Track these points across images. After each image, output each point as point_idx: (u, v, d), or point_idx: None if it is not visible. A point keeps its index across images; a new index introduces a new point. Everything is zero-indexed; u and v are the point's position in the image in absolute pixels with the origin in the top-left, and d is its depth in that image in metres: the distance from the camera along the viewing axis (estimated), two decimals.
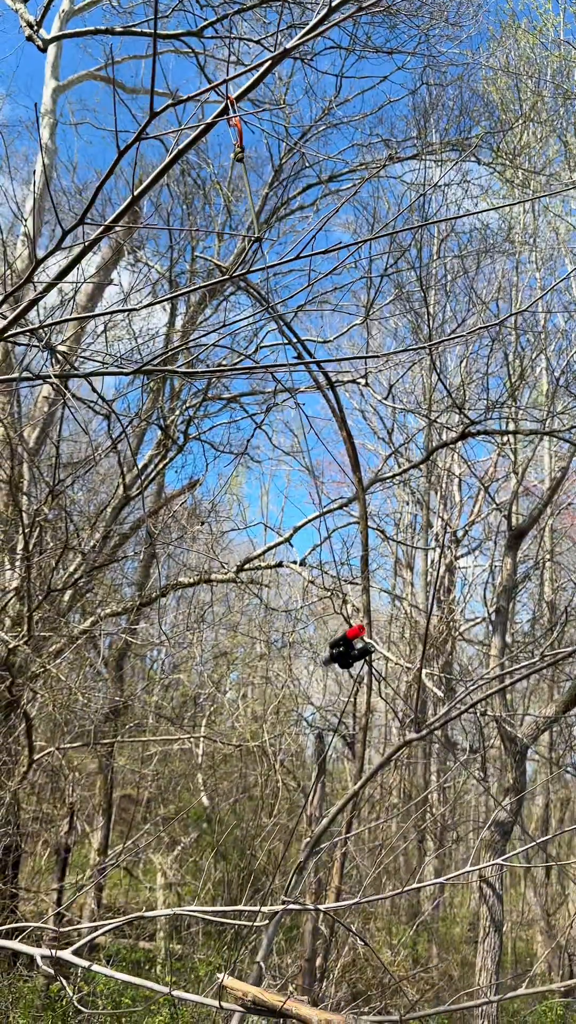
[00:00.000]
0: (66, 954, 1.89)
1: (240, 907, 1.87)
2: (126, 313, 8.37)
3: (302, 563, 9.25)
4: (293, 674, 13.03)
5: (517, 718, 8.12)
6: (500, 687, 4.08)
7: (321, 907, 2.06)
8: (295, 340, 7.71)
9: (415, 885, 2.61)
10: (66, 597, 9.32)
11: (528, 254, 13.87)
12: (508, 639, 9.49)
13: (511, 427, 8.43)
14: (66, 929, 2.43)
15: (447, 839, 12.09)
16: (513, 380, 8.94)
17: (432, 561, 16.41)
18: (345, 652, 5.34)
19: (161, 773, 13.38)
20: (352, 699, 11.69)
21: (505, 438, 8.63)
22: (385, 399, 9.65)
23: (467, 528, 15.30)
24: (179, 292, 6.21)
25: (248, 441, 9.58)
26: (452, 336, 8.06)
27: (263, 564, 9.54)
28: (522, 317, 12.17)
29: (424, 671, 6.67)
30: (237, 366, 7.36)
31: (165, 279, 10.19)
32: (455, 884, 16.13)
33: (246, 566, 9.34)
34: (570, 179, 13.21)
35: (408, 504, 19.69)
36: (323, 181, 8.13)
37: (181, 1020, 5.48)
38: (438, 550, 13.72)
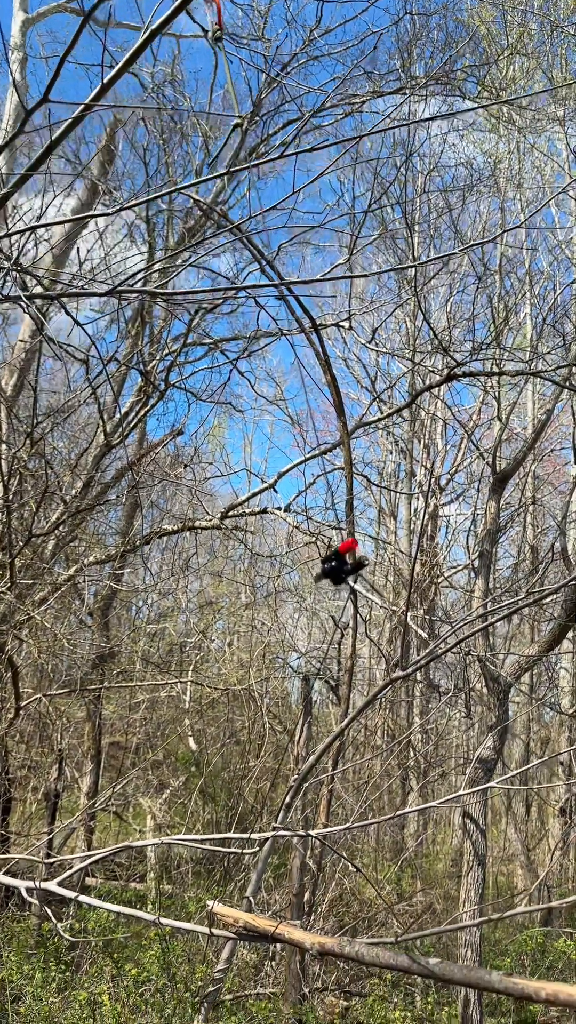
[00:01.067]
0: (51, 885, 1.89)
1: (230, 835, 1.86)
2: (102, 254, 8.13)
3: (287, 509, 9.21)
4: (279, 620, 13.11)
5: (500, 660, 8.21)
6: (484, 624, 4.09)
7: (310, 833, 2.07)
8: (278, 280, 7.54)
9: (404, 811, 2.63)
10: (49, 546, 9.27)
11: (513, 196, 13.61)
12: (491, 583, 9.56)
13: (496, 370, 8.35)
14: (55, 860, 2.43)
15: (431, 776, 12.36)
16: (498, 322, 8.82)
17: (416, 510, 16.45)
18: (337, 567, 5.12)
19: (149, 719, 13.51)
20: (337, 645, 11.81)
21: (490, 381, 8.55)
22: (369, 343, 9.52)
23: (451, 475, 15.29)
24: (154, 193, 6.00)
25: (225, 384, 9.41)
26: (441, 255, 7.82)
27: (247, 511, 9.49)
28: (507, 260, 11.99)
29: (409, 614, 6.71)
30: (215, 293, 7.19)
31: (142, 220, 9.90)
32: (438, 822, 16.54)
33: (230, 513, 9.29)
34: (556, 115, 12.91)
35: (392, 453, 19.65)
36: (304, 113, 7.85)
37: (172, 954, 5.61)
38: (421, 497, 13.72)
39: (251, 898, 5.41)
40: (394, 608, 9.18)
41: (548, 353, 7.61)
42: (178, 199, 11.31)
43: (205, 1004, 5.26)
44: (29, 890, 1.88)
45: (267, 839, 2.21)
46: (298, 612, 18.05)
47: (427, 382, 10.57)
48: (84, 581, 8.09)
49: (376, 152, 11.54)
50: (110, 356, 7.67)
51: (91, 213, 4.25)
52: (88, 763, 10.88)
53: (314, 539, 8.73)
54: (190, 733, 13.45)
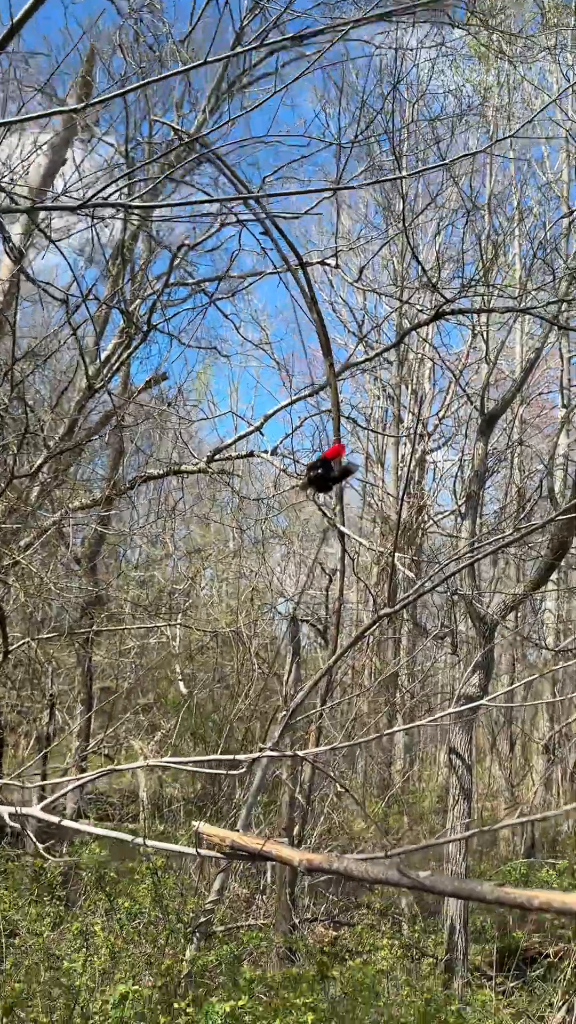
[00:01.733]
0: (34, 810, 1.88)
1: (217, 756, 1.85)
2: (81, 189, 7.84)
3: (273, 452, 9.12)
4: (267, 564, 13.13)
5: (486, 601, 8.26)
6: (471, 560, 4.08)
7: (298, 752, 2.06)
8: (265, 216, 7.33)
9: (392, 731, 2.65)
10: (34, 493, 9.17)
11: (503, 128, 13.25)
12: (478, 526, 9.57)
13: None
14: (47, 783, 2.42)
15: (417, 713, 12.57)
16: (486, 260, 8.65)
17: (403, 456, 16.39)
18: (324, 474, 4.79)
19: (139, 664, 13.61)
20: (325, 590, 11.85)
21: (479, 320, 8.42)
22: (356, 282, 9.33)
23: (439, 417, 15.20)
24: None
25: (201, 321, 9.20)
26: (430, 167, 7.56)
27: (234, 455, 9.40)
28: (496, 199, 11.72)
29: (396, 555, 6.72)
30: (197, 214, 6.95)
31: (120, 153, 9.57)
32: (424, 760, 16.89)
33: (216, 457, 9.20)
34: (545, 45, 12.49)
35: (379, 399, 19.51)
36: (287, 38, 7.53)
37: (164, 887, 5.73)
38: (409, 439, 13.66)
39: (242, 830, 5.50)
40: (381, 550, 9.18)
41: (537, 290, 7.48)
42: (158, 133, 10.94)
43: (197, 934, 5.38)
44: (12, 816, 1.87)
45: (254, 759, 2.21)
46: (285, 560, 18.11)
47: (415, 320, 10.39)
48: (70, 525, 8.02)
49: (362, 82, 11.18)
50: (88, 290, 7.46)
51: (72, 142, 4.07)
52: (79, 706, 10.97)
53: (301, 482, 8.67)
54: (180, 677, 13.57)
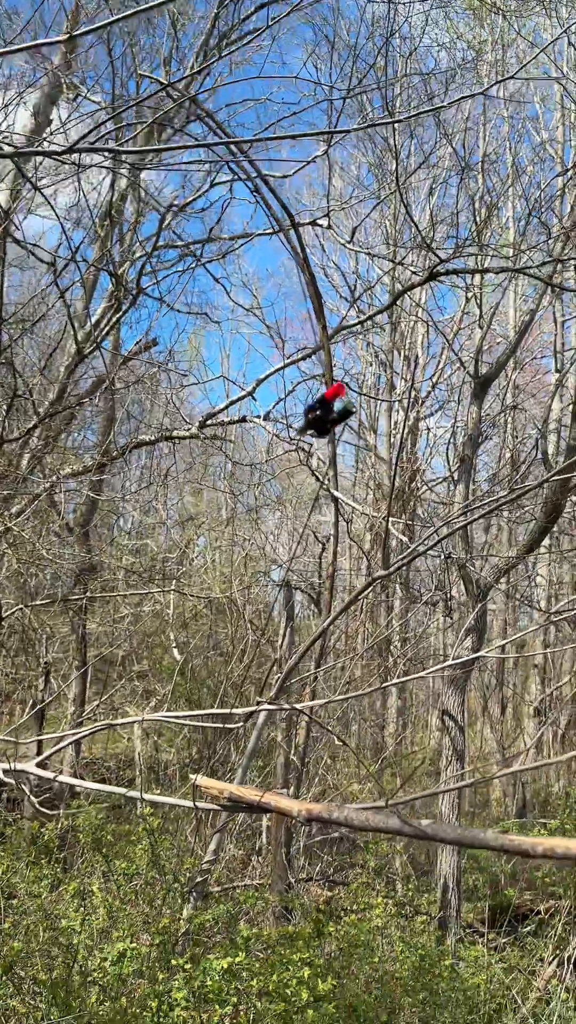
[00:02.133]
0: (29, 766, 1.86)
1: (213, 710, 1.83)
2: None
3: (266, 418, 9.05)
4: (261, 531, 13.12)
5: (478, 566, 8.27)
6: (466, 522, 4.06)
7: (296, 706, 2.05)
8: (255, 173, 7.18)
9: (389, 683, 2.64)
10: (24, 460, 9.09)
11: (497, 90, 13.00)
12: (471, 491, 9.56)
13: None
14: (43, 737, 2.41)
15: (410, 674, 12.67)
16: (480, 220, 8.52)
17: (395, 423, 16.32)
18: (323, 416, 4.62)
19: (134, 632, 13.64)
20: (319, 558, 11.85)
21: (473, 281, 8.31)
22: (348, 244, 9.19)
23: (432, 383, 15.11)
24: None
25: (192, 277, 9.08)
26: (424, 111, 7.35)
27: (226, 420, 9.32)
28: (489, 161, 11.51)
29: (390, 520, 6.70)
30: (186, 162, 6.79)
31: (106, 110, 9.34)
32: (416, 724, 17.05)
33: (208, 422, 9.12)
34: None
35: (371, 365, 19.38)
36: None
37: (161, 847, 5.77)
38: (402, 405, 13.58)
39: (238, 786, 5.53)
40: (375, 514, 9.16)
41: (531, 249, 7.37)
42: (146, 89, 10.69)
43: (194, 894, 5.44)
44: (7, 772, 1.85)
45: (250, 713, 2.20)
46: (279, 528, 18.10)
47: (408, 284, 10.27)
48: (62, 491, 7.96)
49: (354, 36, 10.92)
50: (75, 250, 7.32)
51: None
52: (74, 672, 11.01)
53: (294, 447, 8.61)
54: (174, 645, 13.61)
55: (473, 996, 5.46)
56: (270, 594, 14.77)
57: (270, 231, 9.38)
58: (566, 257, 7.03)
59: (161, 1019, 4.06)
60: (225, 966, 4.27)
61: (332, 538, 7.79)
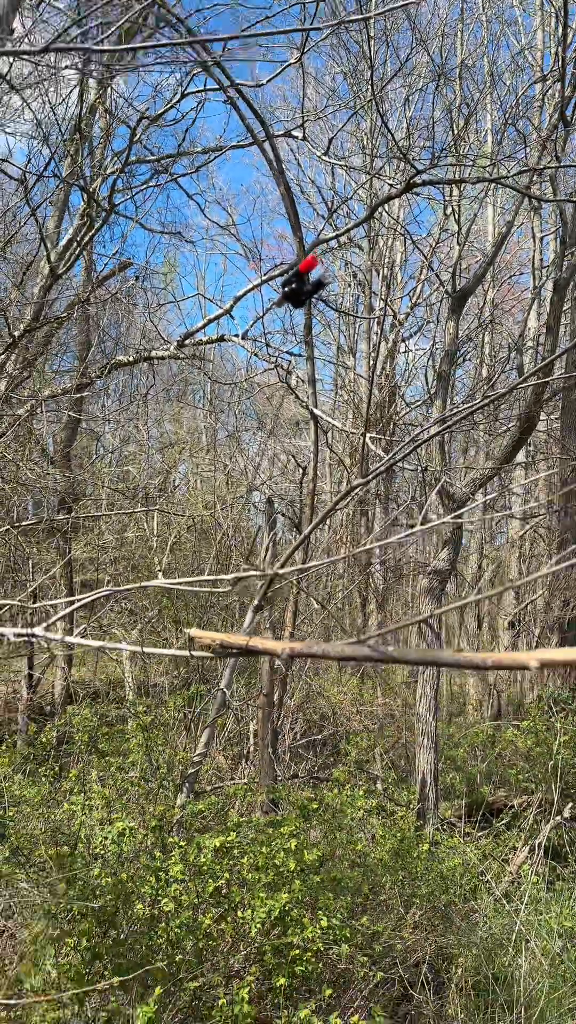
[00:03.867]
0: (38, 631, 2.01)
1: (203, 578, 1.99)
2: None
3: (244, 336, 9.07)
4: (242, 452, 13.23)
5: (456, 475, 8.47)
6: (442, 428, 4.20)
7: (278, 572, 2.22)
8: (228, 83, 7.03)
9: (368, 546, 2.83)
10: (1, 386, 9.07)
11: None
12: (448, 407, 9.68)
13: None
14: (40, 605, 2.58)
15: (390, 587, 13.04)
16: (457, 128, 8.42)
17: (374, 344, 16.30)
18: (298, 288, 4.66)
19: (118, 558, 13.84)
20: (299, 483, 11.99)
21: (450, 194, 8.27)
22: (324, 155, 9.06)
23: (412, 301, 15.04)
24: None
25: (165, 193, 8.95)
26: (400, 4, 7.21)
27: (204, 339, 9.32)
28: (466, 69, 11.25)
29: (368, 435, 6.83)
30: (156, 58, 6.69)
31: (71, 17, 9.00)
32: (396, 639, 17.56)
33: (187, 341, 9.13)
34: None
35: (349, 286, 19.19)
36: None
37: (153, 742, 6.08)
38: (379, 322, 13.55)
39: (225, 689, 5.82)
40: (353, 431, 9.29)
41: (508, 158, 7.34)
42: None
43: (186, 786, 5.77)
44: (18, 635, 2.02)
45: (236, 580, 2.37)
46: (260, 456, 18.21)
47: (385, 195, 10.14)
48: (43, 412, 8.01)
49: None
50: (45, 164, 7.19)
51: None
52: (62, 592, 11.24)
53: (273, 365, 8.67)
54: (159, 569, 13.86)
55: (449, 877, 5.86)
56: (252, 522, 15.00)
57: (244, 143, 9.22)
58: (542, 167, 7.01)
59: (160, 892, 4.40)
60: (218, 844, 4.62)
61: (312, 455, 7.93)
